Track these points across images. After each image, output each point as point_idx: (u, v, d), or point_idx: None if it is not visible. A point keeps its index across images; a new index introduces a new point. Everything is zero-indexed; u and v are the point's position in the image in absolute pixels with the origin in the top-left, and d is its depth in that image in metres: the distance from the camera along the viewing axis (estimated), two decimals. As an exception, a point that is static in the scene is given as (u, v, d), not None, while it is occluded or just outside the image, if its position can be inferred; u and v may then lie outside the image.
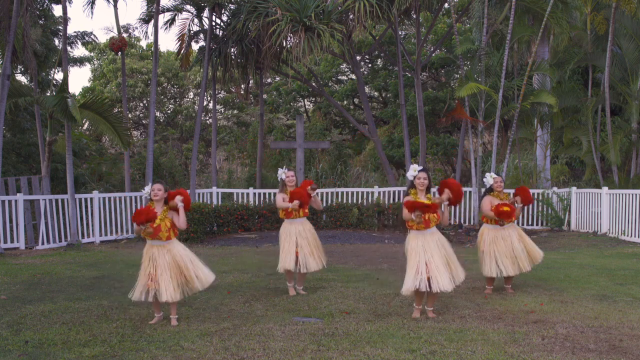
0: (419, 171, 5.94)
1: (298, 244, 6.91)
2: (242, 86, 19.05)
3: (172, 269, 5.74)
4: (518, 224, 14.10)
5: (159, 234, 5.76)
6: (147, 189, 6.01)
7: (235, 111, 27.06)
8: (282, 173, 7.07)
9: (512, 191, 14.03)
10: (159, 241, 5.79)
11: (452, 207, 14.69)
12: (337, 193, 14.65)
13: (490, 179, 7.02)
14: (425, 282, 5.71)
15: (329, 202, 14.40)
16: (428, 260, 5.77)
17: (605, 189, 12.93)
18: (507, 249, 6.90)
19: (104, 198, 12.71)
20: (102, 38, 40.81)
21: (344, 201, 14.37)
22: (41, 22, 15.96)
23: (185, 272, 5.80)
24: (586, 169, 16.47)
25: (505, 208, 6.73)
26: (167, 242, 5.80)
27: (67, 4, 12.84)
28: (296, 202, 6.75)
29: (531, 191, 14.05)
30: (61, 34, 13.85)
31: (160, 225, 5.77)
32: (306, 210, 7.03)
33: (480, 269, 7.05)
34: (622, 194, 12.34)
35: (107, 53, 26.24)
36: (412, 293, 5.88)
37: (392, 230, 13.39)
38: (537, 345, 4.93)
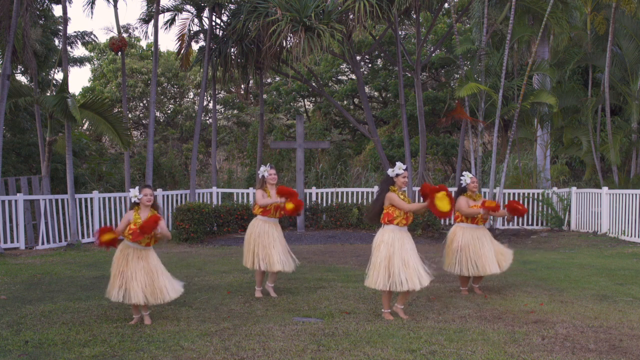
0: (404, 170, 5.93)
1: (270, 244, 6.87)
2: (242, 86, 19.06)
3: (145, 273, 5.71)
4: (518, 223, 14.24)
5: (139, 239, 5.72)
6: (135, 191, 5.82)
7: (235, 111, 27.06)
8: (264, 170, 7.02)
9: (517, 191, 14.14)
10: (137, 245, 5.76)
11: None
12: (337, 193, 14.65)
13: (468, 178, 7.05)
14: (403, 282, 5.67)
15: (329, 202, 14.40)
16: (405, 257, 5.76)
17: (605, 189, 12.93)
18: (481, 249, 6.90)
19: (104, 198, 12.72)
20: (102, 38, 40.86)
21: (344, 201, 14.37)
22: (41, 22, 15.96)
23: (155, 282, 5.73)
24: (586, 169, 16.47)
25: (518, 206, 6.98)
26: (145, 248, 5.81)
27: (67, 4, 12.85)
28: (283, 198, 6.80)
29: (531, 191, 14.26)
30: (61, 34, 13.85)
31: None
32: (282, 212, 7.02)
33: (450, 269, 6.95)
34: (622, 194, 12.35)
35: (107, 53, 26.25)
36: (383, 293, 5.89)
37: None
38: (537, 345, 4.93)
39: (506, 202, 7.54)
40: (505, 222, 14.24)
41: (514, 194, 14.35)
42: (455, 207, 6.81)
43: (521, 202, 14.30)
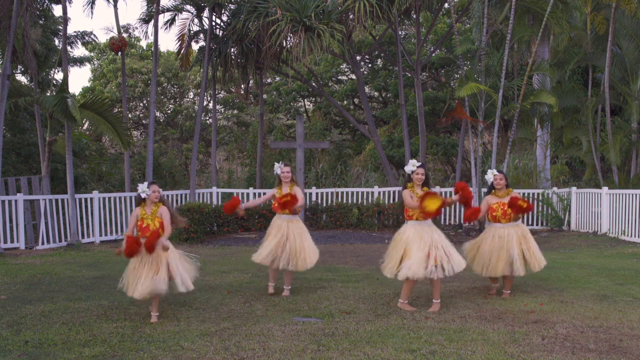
0: (418, 167, 6.17)
1: (282, 242, 6.83)
2: (242, 86, 19.06)
3: (152, 266, 5.80)
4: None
5: (146, 234, 5.87)
6: (144, 187, 5.94)
7: (235, 111, 27.06)
8: (277, 168, 7.05)
9: (517, 191, 14.13)
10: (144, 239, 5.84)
11: (454, 208, 14.73)
12: (337, 193, 14.65)
13: (490, 175, 6.82)
14: (432, 270, 6.00)
15: (329, 202, 14.40)
16: (431, 248, 6.04)
17: (605, 189, 12.93)
18: (497, 248, 6.65)
19: (104, 198, 12.72)
20: (102, 38, 40.85)
21: (344, 201, 14.37)
22: (41, 22, 15.95)
23: (172, 270, 5.89)
24: (586, 169, 16.47)
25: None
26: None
27: (67, 4, 12.84)
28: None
29: (531, 191, 14.25)
30: (61, 34, 13.85)
31: (149, 224, 5.91)
32: (293, 208, 6.86)
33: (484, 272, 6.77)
34: (622, 194, 12.34)
35: (107, 53, 26.25)
36: (408, 282, 6.14)
37: (392, 230, 13.38)
38: (537, 345, 4.93)
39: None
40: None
41: (514, 194, 14.33)
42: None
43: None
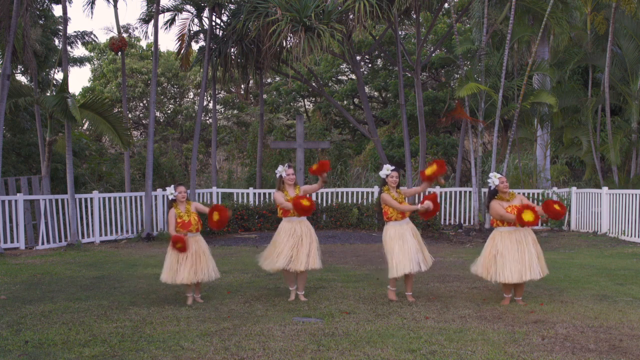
0: (392, 170, 6.67)
1: (297, 244, 6.65)
2: (242, 86, 19.04)
3: (195, 256, 6.60)
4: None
5: (190, 227, 6.61)
6: (171, 189, 6.66)
7: (235, 111, 27.07)
8: (282, 170, 6.78)
9: (517, 191, 14.12)
10: (190, 233, 6.63)
11: (453, 208, 14.72)
12: (337, 193, 14.64)
13: (495, 179, 6.47)
14: (415, 265, 6.47)
15: (329, 202, 14.40)
16: (409, 246, 6.49)
17: (605, 189, 12.93)
18: (520, 254, 6.33)
19: (104, 198, 12.72)
20: (102, 38, 40.83)
21: (344, 201, 14.37)
22: (41, 22, 15.95)
23: (202, 263, 6.64)
24: (586, 169, 16.48)
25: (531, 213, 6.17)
26: (196, 233, 6.72)
27: (67, 4, 12.84)
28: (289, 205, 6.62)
29: (531, 191, 14.24)
30: (61, 34, 13.84)
31: (190, 219, 6.62)
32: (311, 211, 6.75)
33: (495, 277, 6.35)
34: (622, 194, 12.35)
35: (107, 53, 26.25)
36: (393, 278, 6.57)
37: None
38: (537, 345, 4.93)
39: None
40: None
41: (514, 194, 14.32)
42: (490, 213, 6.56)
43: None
